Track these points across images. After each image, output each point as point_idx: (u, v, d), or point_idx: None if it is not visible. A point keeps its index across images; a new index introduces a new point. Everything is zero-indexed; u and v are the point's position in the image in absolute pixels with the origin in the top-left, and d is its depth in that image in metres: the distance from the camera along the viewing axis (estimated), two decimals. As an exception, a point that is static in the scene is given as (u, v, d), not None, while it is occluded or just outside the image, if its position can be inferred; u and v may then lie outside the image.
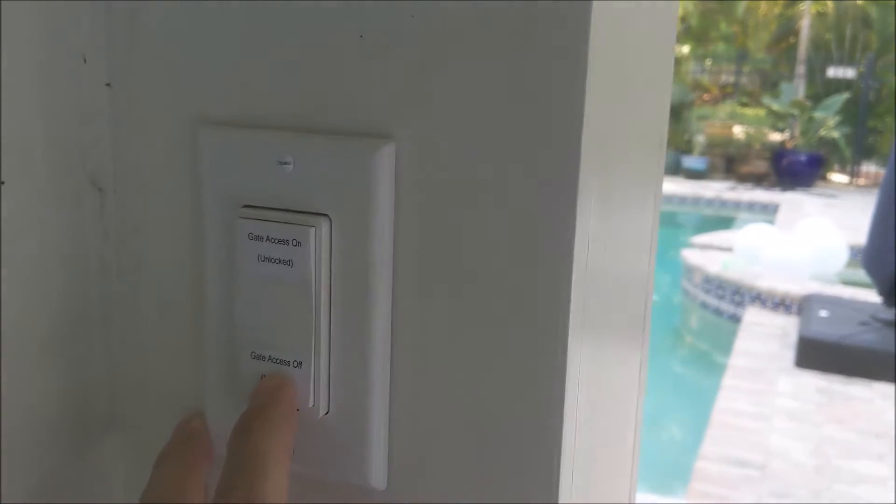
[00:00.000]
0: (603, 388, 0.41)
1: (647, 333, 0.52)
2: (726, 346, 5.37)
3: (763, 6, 15.83)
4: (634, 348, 0.49)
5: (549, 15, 0.31)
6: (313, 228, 0.34)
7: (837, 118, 13.36)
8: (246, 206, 0.35)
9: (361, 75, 0.34)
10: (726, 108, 14.57)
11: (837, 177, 13.86)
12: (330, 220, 0.34)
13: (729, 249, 7.27)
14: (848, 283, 6.61)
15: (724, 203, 11.32)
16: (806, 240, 7.18)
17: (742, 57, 15.66)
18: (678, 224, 10.47)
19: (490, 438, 0.34)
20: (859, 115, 13.47)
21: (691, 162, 12.95)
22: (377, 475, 0.36)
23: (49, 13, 0.35)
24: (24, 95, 0.35)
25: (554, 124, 0.31)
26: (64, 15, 0.36)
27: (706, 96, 15.50)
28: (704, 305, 6.56)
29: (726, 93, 15.58)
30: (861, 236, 6.13)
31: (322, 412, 0.35)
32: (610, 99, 0.34)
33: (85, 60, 0.37)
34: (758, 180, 12.95)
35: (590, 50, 0.30)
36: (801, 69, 14.97)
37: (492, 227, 0.33)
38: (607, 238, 0.37)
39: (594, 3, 0.30)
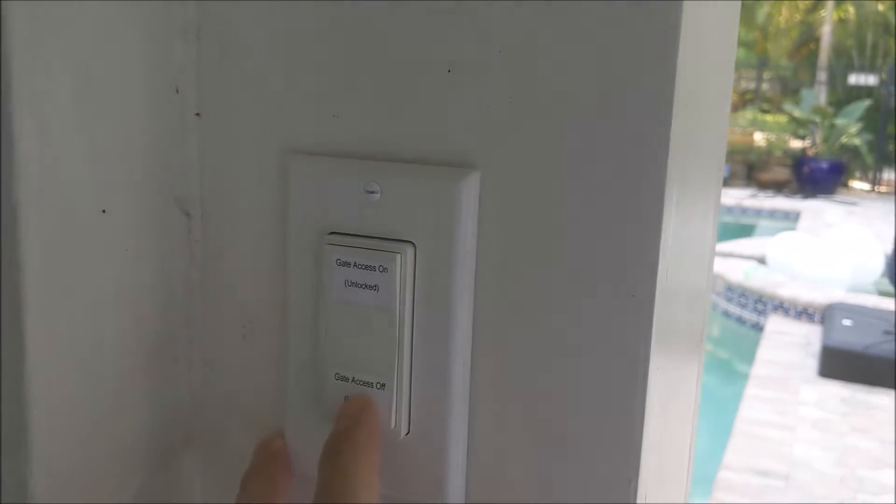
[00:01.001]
0: (670, 402, 0.42)
1: (703, 343, 0.53)
2: (749, 354, 5.34)
3: (784, 12, 15.77)
4: (693, 360, 0.50)
5: (635, 46, 0.32)
6: (399, 255, 0.35)
7: (859, 125, 13.28)
8: (333, 233, 0.36)
9: (448, 107, 0.35)
10: (747, 114, 14.51)
11: (859, 184, 13.77)
12: (415, 246, 0.35)
13: (752, 258, 7.23)
14: (884, 293, 6.52)
15: (744, 210, 11.27)
16: (841, 249, 7.12)
17: (763, 63, 15.60)
18: (698, 231, 10.39)
19: (569, 457, 0.35)
20: (881, 121, 13.38)
21: (712, 169, 12.86)
22: (456, 495, 0.37)
23: (144, 46, 0.37)
24: (121, 125, 0.36)
25: (641, 149, 0.32)
26: (158, 47, 0.37)
27: (726, 103, 15.40)
28: (727, 314, 6.53)
29: (747, 99, 15.52)
30: (882, 242, 6.08)
31: (403, 433, 0.37)
32: (688, 122, 0.35)
33: (177, 90, 0.38)
34: (779, 188, 12.89)
35: (678, 73, 0.32)
36: (822, 76, 14.89)
37: (574, 252, 0.34)
38: (681, 252, 0.38)
39: (681, 37, 0.31)
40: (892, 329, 5.13)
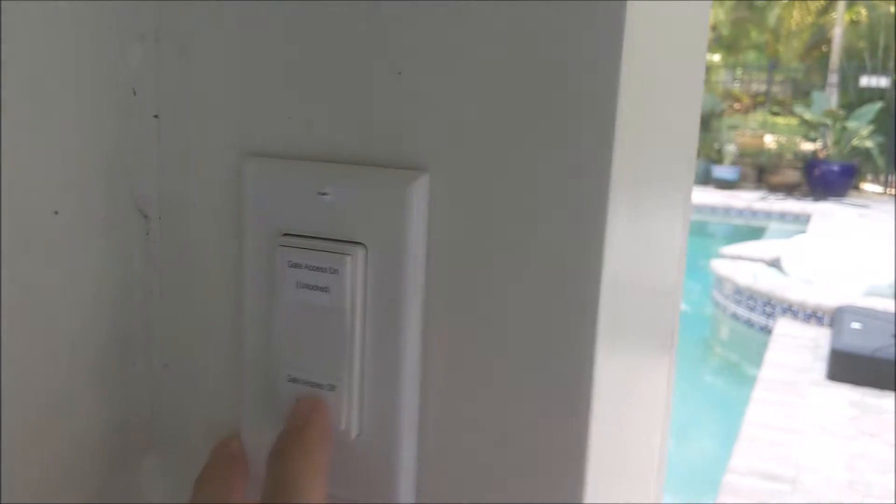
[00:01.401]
0: (630, 397, 0.42)
1: (674, 342, 0.53)
2: (757, 357, 5.32)
3: (795, 15, 15.71)
4: (662, 357, 0.50)
5: (580, 48, 0.32)
6: (349, 257, 0.35)
7: (871, 127, 13.20)
8: (286, 235, 0.37)
9: (399, 110, 0.35)
10: (757, 117, 14.46)
11: (870, 186, 13.70)
12: (365, 248, 0.35)
13: (761, 261, 7.20)
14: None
15: (754, 213, 11.23)
16: (857, 252, 7.06)
17: (773, 66, 15.55)
18: (709, 234, 10.40)
19: (517, 457, 0.35)
20: (893, 124, 13.30)
21: (722, 172, 12.87)
22: (406, 495, 0.37)
23: (98, 47, 0.37)
24: (76, 127, 0.36)
25: (585, 150, 0.32)
26: (115, 49, 0.38)
27: (737, 105, 15.40)
28: (735, 317, 6.51)
29: (758, 102, 15.47)
30: (888, 247, 6.02)
31: (354, 434, 0.37)
32: (641, 114, 0.35)
33: (134, 92, 0.38)
34: (789, 190, 12.84)
35: (621, 72, 0.32)
36: (833, 78, 14.82)
37: (522, 252, 0.34)
38: (637, 251, 0.38)
39: (625, 35, 0.31)
40: (902, 333, 5.10)
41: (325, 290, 0.36)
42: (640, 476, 0.50)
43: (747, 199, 11.85)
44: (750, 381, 4.93)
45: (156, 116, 0.39)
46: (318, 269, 0.36)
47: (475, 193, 0.34)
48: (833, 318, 5.66)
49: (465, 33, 0.34)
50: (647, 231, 0.41)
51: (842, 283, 6.44)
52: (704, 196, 11.56)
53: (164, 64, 0.39)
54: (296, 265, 0.36)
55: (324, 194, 0.36)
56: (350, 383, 0.36)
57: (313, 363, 0.37)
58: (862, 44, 14.88)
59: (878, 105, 13.35)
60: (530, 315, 0.34)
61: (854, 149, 13.24)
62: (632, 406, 0.43)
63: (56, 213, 0.36)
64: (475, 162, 0.34)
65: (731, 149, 13.24)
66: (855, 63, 14.71)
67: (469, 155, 0.34)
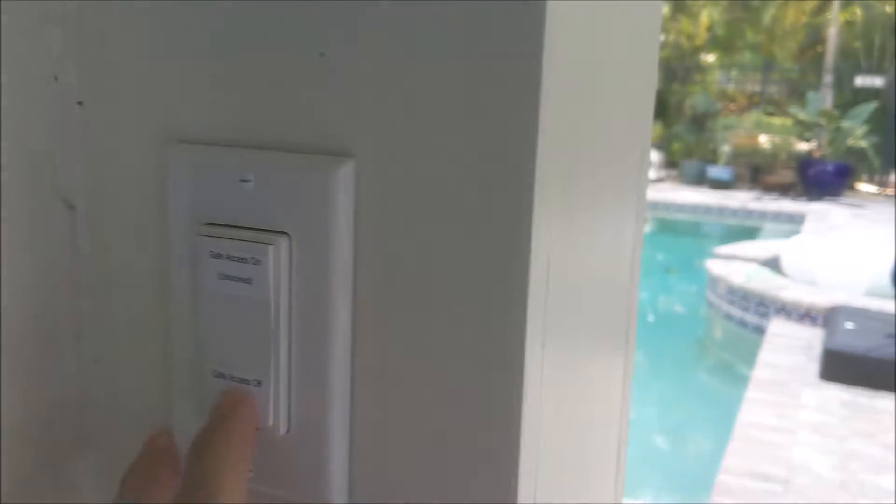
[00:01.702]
0: (575, 396, 0.41)
1: (630, 340, 0.52)
2: (750, 357, 5.31)
3: (790, 15, 15.72)
4: (615, 355, 0.49)
5: (503, 30, 0.31)
6: (272, 246, 0.34)
7: (866, 127, 13.21)
8: (209, 224, 0.35)
9: (322, 93, 0.34)
10: (752, 117, 14.47)
11: (865, 186, 13.71)
12: (290, 237, 0.34)
13: (754, 260, 7.19)
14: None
15: (749, 213, 11.23)
16: (857, 251, 7.04)
17: (768, 66, 15.55)
18: (703, 234, 10.40)
19: (451, 449, 0.34)
20: (888, 123, 13.31)
21: (717, 172, 12.87)
22: (338, 493, 0.36)
23: (19, 33, 0.36)
24: (-7, 114, 0.35)
25: (509, 137, 0.31)
26: (35, 35, 0.36)
27: (732, 106, 15.40)
28: (728, 316, 6.50)
29: (752, 102, 15.47)
30: (888, 245, 6.02)
31: (282, 431, 0.35)
32: (575, 109, 0.34)
33: (56, 79, 0.37)
34: (784, 190, 12.84)
35: (546, 62, 0.30)
36: (828, 78, 14.83)
37: (451, 242, 0.33)
38: (574, 247, 0.37)
39: (547, 19, 0.30)
40: (895, 332, 5.09)
41: (247, 281, 0.34)
42: (595, 475, 0.48)
43: (742, 199, 11.84)
44: (743, 381, 4.92)
45: (80, 103, 0.38)
46: (239, 259, 0.34)
47: (402, 180, 0.33)
48: (826, 317, 5.66)
49: (388, 16, 0.32)
50: (589, 228, 0.39)
51: (837, 284, 6.43)
52: (699, 196, 11.56)
53: (85, 49, 0.38)
54: (217, 255, 0.35)
55: (246, 181, 0.35)
56: (277, 378, 0.35)
57: (239, 358, 0.35)
58: (857, 44, 14.88)
59: (873, 105, 13.35)
60: (459, 307, 0.33)
61: (849, 149, 13.24)
62: (578, 405, 0.41)
63: (-32, 202, 0.34)
64: (402, 147, 0.33)
65: (725, 149, 13.24)
66: (850, 63, 14.71)
67: (396, 140, 0.33)
